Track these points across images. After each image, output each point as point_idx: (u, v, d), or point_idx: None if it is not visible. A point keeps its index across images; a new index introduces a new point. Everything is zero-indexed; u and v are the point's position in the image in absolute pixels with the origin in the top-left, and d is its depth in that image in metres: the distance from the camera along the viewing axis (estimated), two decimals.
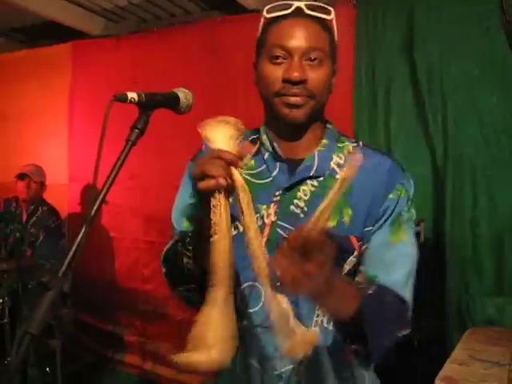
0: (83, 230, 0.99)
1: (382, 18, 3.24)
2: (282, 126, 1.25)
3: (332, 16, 1.23)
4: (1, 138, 4.94)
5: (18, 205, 4.02)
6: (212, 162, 0.96)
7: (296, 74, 1.15)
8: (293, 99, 1.18)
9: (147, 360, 4.23)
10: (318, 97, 1.20)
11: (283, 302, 0.95)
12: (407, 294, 1.23)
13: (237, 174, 0.97)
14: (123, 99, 1.08)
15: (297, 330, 0.92)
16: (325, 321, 1.22)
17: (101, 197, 1.04)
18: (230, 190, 0.98)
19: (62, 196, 4.48)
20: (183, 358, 0.94)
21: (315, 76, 1.18)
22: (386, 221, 1.23)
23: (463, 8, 3.01)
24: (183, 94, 1.20)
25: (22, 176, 3.91)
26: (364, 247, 1.23)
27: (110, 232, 4.30)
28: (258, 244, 0.97)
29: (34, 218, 3.95)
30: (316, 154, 1.26)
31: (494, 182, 2.95)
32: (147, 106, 1.13)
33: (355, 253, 1.22)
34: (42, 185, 4.05)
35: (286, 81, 1.17)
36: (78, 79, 4.54)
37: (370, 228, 1.23)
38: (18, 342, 0.83)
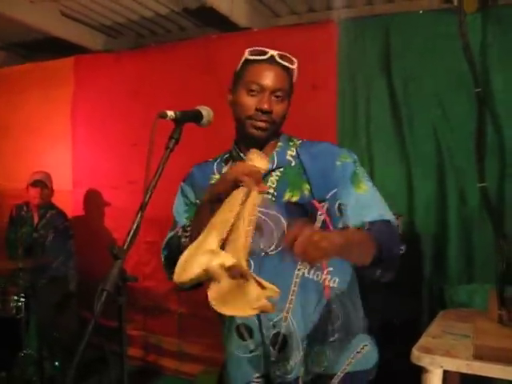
0: (139, 215, 1.30)
1: (362, 35, 3.56)
2: (249, 141, 1.63)
3: (295, 66, 1.63)
4: (6, 148, 5.12)
5: (29, 209, 4.22)
6: (251, 172, 1.39)
7: (266, 106, 1.56)
8: (260, 124, 1.58)
9: (150, 352, 4.49)
10: (277, 123, 1.61)
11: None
12: (391, 216, 1.61)
13: (255, 194, 1.36)
14: (164, 116, 1.38)
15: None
16: (305, 272, 1.57)
17: (150, 190, 1.34)
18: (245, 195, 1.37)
19: (66, 201, 4.66)
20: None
21: (278, 108, 1.59)
22: (345, 182, 1.60)
23: (434, 28, 3.33)
24: (206, 112, 1.52)
25: (36, 183, 4.11)
26: (327, 206, 1.58)
27: (113, 233, 4.50)
28: (244, 230, 1.33)
29: (44, 220, 4.16)
30: (274, 154, 1.66)
31: (463, 177, 3.24)
32: (180, 120, 1.43)
33: (319, 212, 1.58)
34: (52, 190, 4.27)
35: (258, 109, 1.57)
36: (80, 92, 4.75)
37: (334, 191, 1.59)
38: (97, 298, 1.07)
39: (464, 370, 2.19)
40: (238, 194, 1.37)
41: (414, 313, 3.28)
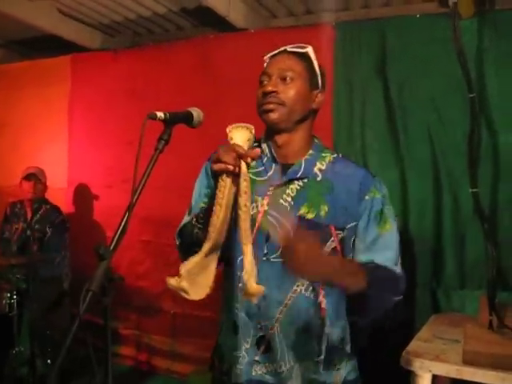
0: (127, 215, 1.30)
1: (358, 39, 3.56)
2: (271, 133, 1.61)
3: (307, 49, 1.63)
4: (2, 145, 5.12)
5: (23, 205, 4.22)
6: (227, 152, 1.33)
7: (269, 88, 1.54)
8: (266, 106, 1.55)
9: (142, 352, 4.49)
10: (289, 105, 1.54)
11: (248, 262, 1.30)
12: (398, 269, 1.58)
13: (243, 165, 1.34)
14: (154, 117, 1.38)
15: (248, 284, 1.28)
16: (303, 289, 1.55)
17: (138, 191, 1.34)
18: (235, 176, 1.33)
19: (61, 199, 4.66)
20: (167, 278, 1.30)
21: (287, 89, 1.55)
22: (369, 218, 1.56)
23: (431, 32, 3.34)
24: (196, 113, 1.51)
25: (29, 177, 4.13)
26: (342, 235, 1.55)
27: (107, 232, 4.47)
28: (245, 218, 1.33)
29: (38, 215, 4.15)
30: (303, 160, 1.61)
31: (457, 182, 3.25)
32: (170, 121, 1.43)
33: (332, 238, 1.55)
34: (45, 185, 4.27)
35: (263, 94, 1.55)
36: (77, 90, 4.76)
37: (354, 223, 1.56)
38: (82, 299, 1.07)
39: (453, 375, 2.21)
40: (224, 182, 1.33)
41: (407, 317, 3.27)
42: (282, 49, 1.62)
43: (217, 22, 4.15)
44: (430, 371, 2.22)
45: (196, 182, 1.75)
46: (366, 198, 1.57)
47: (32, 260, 3.77)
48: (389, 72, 3.47)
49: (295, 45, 1.62)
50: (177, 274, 1.32)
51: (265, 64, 1.65)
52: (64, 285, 4.16)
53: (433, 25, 3.34)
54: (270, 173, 1.60)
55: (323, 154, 1.65)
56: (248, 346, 1.58)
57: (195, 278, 1.31)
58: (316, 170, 1.60)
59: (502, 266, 3.03)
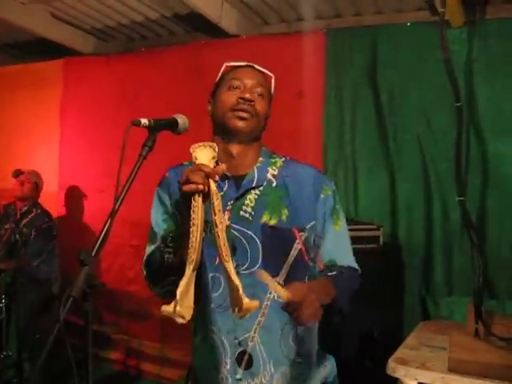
0: (109, 222, 1.30)
1: (349, 46, 3.60)
2: (231, 136, 1.59)
3: (272, 75, 1.67)
4: None
5: (15, 207, 4.22)
6: (195, 172, 1.32)
7: (248, 95, 1.55)
8: (242, 113, 1.54)
9: (131, 357, 4.48)
10: (259, 118, 1.58)
11: (235, 278, 1.30)
12: (355, 264, 1.69)
13: (212, 184, 1.34)
14: (138, 124, 1.38)
15: (243, 299, 1.28)
16: (276, 296, 1.55)
17: (121, 197, 1.34)
18: (206, 195, 1.33)
19: (52, 202, 4.64)
20: (162, 307, 1.28)
21: (260, 103, 1.58)
22: (325, 217, 1.62)
23: (421, 41, 3.37)
24: (181, 120, 1.51)
25: (17, 174, 4.14)
26: (305, 236, 1.58)
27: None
28: (223, 236, 1.32)
29: (28, 218, 4.13)
30: (255, 169, 1.62)
31: (446, 189, 3.28)
32: (154, 128, 1.43)
33: (297, 241, 1.57)
34: (37, 186, 4.25)
35: (240, 98, 1.55)
36: (69, 94, 4.76)
37: (313, 222, 1.60)
38: (63, 304, 1.07)
39: (438, 383, 2.20)
40: (196, 203, 1.32)
41: (395, 324, 3.28)
42: (247, 63, 1.64)
43: (209, 28, 4.16)
44: (416, 379, 2.23)
45: (151, 210, 1.74)
46: (321, 196, 1.62)
47: (19, 264, 3.75)
48: (379, 79, 3.50)
49: (259, 67, 1.65)
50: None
51: (224, 69, 1.67)
52: (53, 288, 4.14)
53: (423, 33, 3.37)
54: (225, 188, 1.60)
55: (272, 160, 1.66)
56: (229, 366, 1.56)
57: (182, 302, 1.31)
58: (269, 175, 1.62)
59: (490, 274, 3.05)
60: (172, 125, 1.49)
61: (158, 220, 1.69)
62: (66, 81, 4.78)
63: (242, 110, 1.55)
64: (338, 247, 1.65)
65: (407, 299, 3.36)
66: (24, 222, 4.13)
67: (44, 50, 4.86)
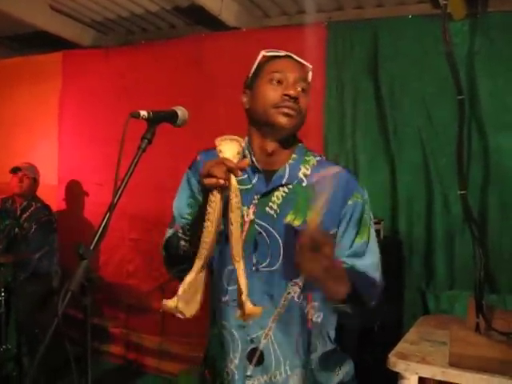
0: (107, 215, 1.28)
1: (350, 39, 3.57)
2: (270, 137, 1.55)
3: (310, 66, 1.59)
4: None
5: (14, 201, 4.21)
6: (217, 166, 1.29)
7: (293, 92, 1.48)
8: (288, 110, 1.49)
9: (131, 350, 4.48)
10: (302, 115, 1.53)
11: (242, 282, 1.28)
12: (378, 276, 1.57)
13: (234, 179, 1.30)
14: (137, 116, 1.36)
15: (246, 305, 1.27)
16: (295, 296, 1.52)
17: (120, 190, 1.32)
18: (225, 191, 1.30)
19: (51, 196, 4.66)
20: (163, 301, 1.28)
21: (303, 100, 1.51)
22: (349, 224, 1.55)
23: (423, 33, 3.34)
24: (181, 112, 1.49)
25: (15, 170, 4.13)
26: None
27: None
28: (237, 235, 1.30)
29: (28, 213, 4.14)
30: (287, 166, 1.57)
31: (447, 183, 3.25)
32: (154, 120, 1.41)
33: None
34: (35, 181, 4.26)
35: (285, 95, 1.49)
36: (68, 87, 4.74)
37: (335, 230, 1.54)
38: (61, 298, 1.06)
39: (439, 378, 2.20)
40: (214, 197, 1.30)
41: (396, 318, 3.28)
42: (287, 53, 1.56)
43: (209, 21, 4.13)
44: (417, 373, 2.22)
45: (178, 191, 1.71)
46: (349, 202, 1.55)
47: (19, 258, 3.74)
48: (380, 72, 3.48)
49: (297, 57, 1.57)
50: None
51: (262, 59, 1.59)
52: (53, 282, 4.15)
53: (425, 26, 3.34)
54: (254, 180, 1.56)
55: (307, 158, 1.61)
56: (237, 362, 1.55)
57: (189, 296, 1.30)
58: (301, 174, 1.57)
59: (491, 268, 3.04)
60: (172, 117, 1.48)
61: (183, 204, 1.66)
62: (65, 73, 4.76)
63: (287, 107, 1.49)
64: (359, 255, 1.55)
65: (408, 293, 3.36)
66: (24, 216, 4.13)
67: (43, 42, 4.84)
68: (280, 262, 1.51)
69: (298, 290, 1.53)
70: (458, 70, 2.91)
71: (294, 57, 1.56)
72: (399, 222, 3.40)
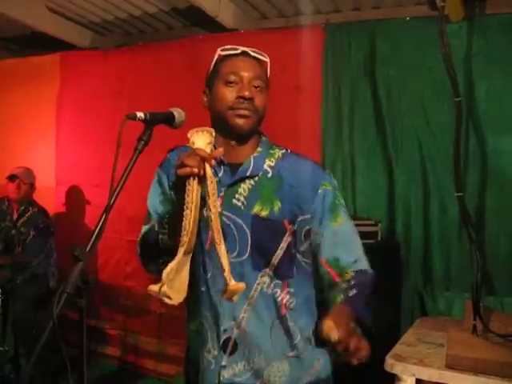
0: (103, 217, 1.28)
1: (348, 40, 3.57)
2: (230, 136, 1.59)
3: (267, 59, 1.62)
4: None
5: (10, 204, 4.21)
6: (190, 156, 1.32)
7: (247, 93, 1.52)
8: (243, 111, 1.53)
9: (128, 352, 4.47)
10: (259, 114, 1.57)
11: (225, 262, 1.32)
12: (365, 263, 1.61)
13: (208, 168, 1.34)
14: (133, 117, 1.36)
15: (229, 281, 1.30)
16: (265, 286, 1.56)
17: (116, 192, 1.32)
18: (201, 179, 1.33)
19: (49, 198, 4.66)
20: (149, 286, 1.28)
21: (259, 98, 1.56)
22: (323, 212, 1.58)
23: (420, 35, 3.35)
24: (177, 113, 1.49)
25: (12, 177, 4.12)
26: (294, 228, 1.57)
27: None
28: (216, 220, 1.34)
29: (25, 217, 4.14)
30: (252, 158, 1.61)
31: (444, 185, 3.26)
32: (150, 122, 1.41)
33: (287, 232, 1.56)
34: (32, 186, 4.25)
35: (239, 97, 1.53)
36: (66, 88, 4.73)
37: (307, 216, 1.58)
38: (57, 300, 1.06)
39: (436, 379, 2.19)
40: (190, 186, 1.33)
41: (393, 320, 3.27)
42: (243, 49, 1.60)
43: (207, 23, 4.13)
44: (414, 375, 2.22)
45: (150, 190, 1.74)
46: (319, 191, 1.59)
47: (16, 260, 3.74)
48: (378, 74, 3.48)
49: (255, 50, 1.61)
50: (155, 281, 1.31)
51: (218, 57, 1.64)
52: (50, 284, 4.14)
53: (422, 28, 3.34)
54: (220, 174, 1.59)
55: (271, 151, 1.65)
56: (216, 352, 1.58)
57: (172, 283, 1.31)
58: (266, 166, 1.61)
59: (488, 270, 3.03)
60: (168, 118, 1.48)
61: (155, 201, 1.69)
62: (62, 75, 4.75)
63: (242, 109, 1.53)
64: (339, 244, 1.59)
65: (405, 295, 3.35)
66: (21, 221, 4.14)
67: (41, 44, 4.83)
68: (248, 252, 1.54)
69: (268, 280, 1.56)
70: (456, 72, 2.91)
71: (251, 53, 1.59)
72: (396, 223, 3.40)
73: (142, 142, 1.40)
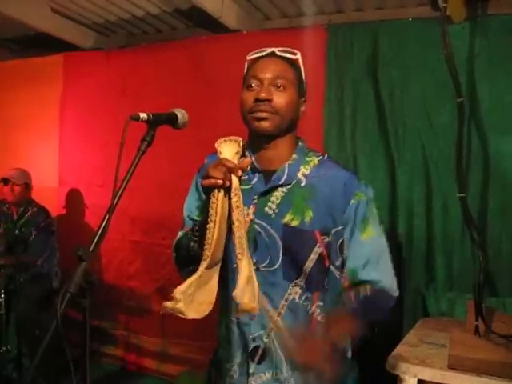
0: (107, 217, 1.29)
1: (351, 41, 3.56)
2: (257, 139, 1.57)
3: (297, 56, 1.60)
4: None
5: (10, 205, 4.21)
6: (217, 167, 1.32)
7: (263, 95, 1.50)
8: (259, 114, 1.51)
9: (131, 352, 4.48)
10: (281, 114, 1.52)
11: (241, 279, 1.30)
12: (391, 283, 1.60)
13: (235, 179, 1.33)
14: (137, 118, 1.37)
15: (240, 299, 1.28)
16: (296, 297, 1.54)
17: (119, 193, 1.33)
18: (227, 191, 1.32)
19: (52, 198, 4.67)
20: (163, 303, 1.29)
21: (279, 98, 1.52)
22: (355, 223, 1.55)
23: (423, 36, 3.34)
24: (181, 114, 1.50)
25: (4, 181, 4.13)
26: (327, 240, 1.54)
27: None
28: (239, 234, 1.32)
29: (25, 218, 4.15)
30: (286, 166, 1.58)
31: (447, 186, 3.24)
32: (153, 123, 1.42)
33: (318, 244, 1.53)
34: (27, 186, 4.23)
35: (256, 100, 1.51)
36: (69, 89, 4.73)
37: (340, 227, 1.55)
38: (60, 300, 1.07)
39: (438, 380, 2.20)
40: (215, 198, 1.32)
41: (396, 320, 3.27)
42: (270, 50, 1.59)
43: (210, 24, 4.14)
44: (416, 376, 2.22)
45: (188, 195, 1.74)
46: (352, 202, 1.55)
47: (18, 260, 3.75)
48: (380, 75, 3.47)
49: (284, 48, 1.59)
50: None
51: (247, 63, 1.63)
52: (53, 284, 4.15)
53: (425, 29, 3.34)
54: (253, 181, 1.58)
55: (307, 159, 1.62)
56: (239, 359, 1.58)
57: (193, 297, 1.30)
58: (300, 175, 1.58)
59: (491, 270, 3.04)
60: (171, 119, 1.49)
61: (192, 206, 1.69)
62: (65, 76, 4.75)
63: (259, 111, 1.51)
64: (362, 257, 1.56)
65: (407, 296, 3.34)
66: (22, 222, 4.14)
67: (44, 44, 4.83)
68: (280, 262, 1.52)
69: (300, 291, 1.54)
70: (458, 73, 2.91)
71: (277, 52, 1.58)
72: (399, 224, 3.39)
73: (145, 143, 1.41)
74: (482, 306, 2.55)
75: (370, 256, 1.57)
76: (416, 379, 2.22)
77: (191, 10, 4.07)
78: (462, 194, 2.80)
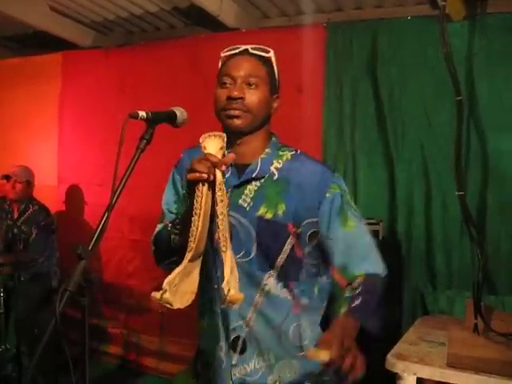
0: (106, 216, 1.29)
1: (350, 39, 3.57)
2: (230, 135, 1.56)
3: (270, 54, 1.61)
4: None
5: (10, 203, 4.19)
6: (201, 162, 1.34)
7: (236, 93, 1.52)
8: (232, 112, 1.53)
9: (130, 351, 4.48)
10: (254, 112, 1.54)
11: (227, 270, 1.31)
12: (379, 265, 1.58)
13: (219, 174, 1.35)
14: (135, 117, 1.37)
15: (227, 292, 1.28)
16: (272, 288, 1.56)
17: (118, 191, 1.33)
18: (211, 185, 1.34)
19: (51, 197, 4.66)
20: (152, 293, 1.30)
21: (252, 95, 1.54)
22: (331, 216, 1.56)
23: (422, 34, 3.35)
24: (179, 112, 1.50)
25: (6, 177, 4.10)
26: (299, 231, 1.55)
27: None
28: (223, 227, 1.34)
29: (26, 216, 4.12)
30: (259, 160, 1.60)
31: (446, 184, 3.24)
32: (152, 121, 1.42)
33: (291, 236, 1.56)
34: (29, 184, 4.20)
35: (228, 98, 1.53)
36: (68, 87, 4.73)
37: (313, 219, 1.56)
38: (59, 299, 1.07)
39: (437, 378, 2.21)
40: (199, 192, 1.34)
41: (395, 319, 3.28)
42: (243, 48, 1.61)
43: (208, 22, 4.13)
44: (415, 374, 2.23)
45: (165, 190, 1.75)
46: (327, 195, 1.57)
47: (18, 259, 3.75)
48: (379, 73, 3.48)
49: (257, 46, 1.60)
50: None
51: (221, 60, 1.65)
52: (53, 283, 4.15)
53: (424, 27, 3.34)
54: (227, 174, 1.57)
55: (280, 153, 1.63)
56: (225, 350, 1.59)
57: (178, 287, 1.31)
58: (273, 168, 1.60)
59: (490, 269, 3.04)
60: (170, 117, 1.49)
61: (169, 200, 1.71)
62: (64, 74, 4.75)
63: (231, 109, 1.53)
64: (349, 250, 1.56)
65: (406, 294, 3.36)
66: (22, 219, 4.12)
67: (43, 43, 4.84)
68: (254, 253, 1.55)
69: (274, 282, 1.57)
70: (457, 71, 2.91)
71: (250, 50, 1.60)
72: (398, 222, 3.40)
73: (144, 141, 1.41)
74: (481, 304, 2.56)
75: (356, 246, 1.57)
76: (415, 377, 2.23)
77: (190, 8, 4.06)
78: (460, 192, 2.80)
